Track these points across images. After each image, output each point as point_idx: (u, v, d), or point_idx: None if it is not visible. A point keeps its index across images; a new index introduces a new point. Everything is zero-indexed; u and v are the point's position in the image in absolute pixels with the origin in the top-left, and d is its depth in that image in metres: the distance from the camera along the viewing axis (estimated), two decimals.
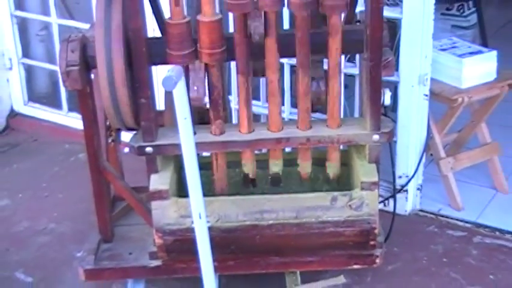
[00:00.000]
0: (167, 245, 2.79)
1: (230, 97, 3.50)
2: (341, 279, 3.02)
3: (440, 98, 3.44)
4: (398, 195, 3.32)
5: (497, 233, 3.38)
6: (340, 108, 2.78)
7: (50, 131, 4.30)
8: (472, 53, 3.52)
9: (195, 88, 2.68)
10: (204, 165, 2.73)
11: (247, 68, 2.67)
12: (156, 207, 2.75)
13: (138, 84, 2.63)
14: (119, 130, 3.00)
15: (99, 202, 2.93)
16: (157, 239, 2.79)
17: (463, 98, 3.40)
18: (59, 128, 4.28)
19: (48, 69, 4.43)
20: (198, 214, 2.46)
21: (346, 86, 3.35)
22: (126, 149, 2.91)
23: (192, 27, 2.61)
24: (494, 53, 3.54)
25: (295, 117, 2.80)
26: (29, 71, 4.44)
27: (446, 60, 3.48)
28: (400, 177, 3.43)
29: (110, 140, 3.01)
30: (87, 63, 2.68)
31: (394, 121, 3.08)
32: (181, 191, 2.75)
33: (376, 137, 2.73)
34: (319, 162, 2.92)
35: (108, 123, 2.91)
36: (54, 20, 4.16)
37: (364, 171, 2.77)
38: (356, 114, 3.43)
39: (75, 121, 4.00)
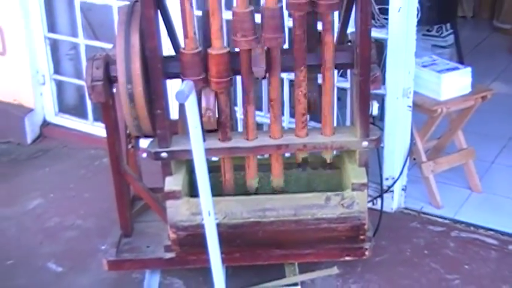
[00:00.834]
0: (180, 239, 2.78)
1: (236, 108, 3.49)
2: (334, 270, 3.01)
3: (422, 109, 3.43)
4: (385, 195, 3.30)
5: (472, 228, 3.35)
6: (333, 118, 2.79)
7: (78, 138, 4.29)
8: (449, 69, 3.50)
9: (208, 115, 2.67)
10: (213, 169, 2.72)
11: (253, 96, 2.68)
12: (170, 206, 2.74)
13: (154, 97, 2.63)
14: (137, 137, 2.99)
15: (120, 201, 2.92)
16: (172, 234, 2.77)
17: (442, 109, 3.39)
18: (85, 135, 4.27)
19: (76, 84, 4.43)
20: (208, 212, 2.44)
21: (339, 98, 3.33)
22: (144, 154, 2.89)
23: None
24: (469, 69, 3.53)
25: (293, 126, 2.79)
26: (60, 85, 4.43)
27: (427, 76, 3.46)
28: (386, 179, 3.41)
29: (129, 146, 3.00)
30: (110, 79, 2.68)
31: (381, 129, 3.07)
32: (193, 191, 2.75)
33: (365, 143, 2.72)
34: (315, 166, 2.93)
35: (128, 131, 2.89)
36: (82, 41, 4.16)
37: (355, 173, 2.76)
38: (347, 123, 3.41)
39: (99, 129, 3.99)
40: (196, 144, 2.37)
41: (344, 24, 2.87)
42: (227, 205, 2.76)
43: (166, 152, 2.70)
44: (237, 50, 2.63)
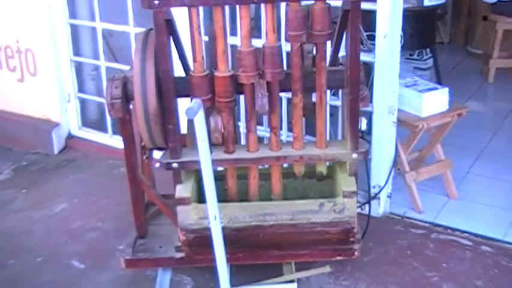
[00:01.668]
0: (189, 241, 2.75)
1: (239, 123, 3.47)
2: (327, 268, 2.99)
3: (405, 124, 3.41)
4: (372, 201, 3.28)
5: (449, 230, 3.32)
6: (326, 133, 2.77)
7: (98, 149, 4.28)
8: (429, 89, 3.48)
9: (215, 136, 2.67)
10: (219, 178, 2.71)
11: (255, 123, 2.68)
12: (180, 211, 2.71)
13: (167, 113, 2.62)
14: (151, 149, 2.97)
15: (135, 206, 2.90)
16: (181, 236, 2.75)
17: (423, 125, 3.37)
18: (105, 147, 4.26)
19: (97, 101, 4.42)
20: (214, 216, 2.43)
21: (331, 115, 3.31)
22: (157, 164, 2.86)
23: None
24: (446, 89, 3.51)
25: (291, 139, 2.78)
26: (83, 103, 4.42)
27: (410, 95, 3.44)
28: (373, 187, 3.38)
29: (144, 157, 2.98)
30: (127, 97, 2.67)
31: (369, 142, 3.07)
32: (201, 198, 2.72)
33: (355, 155, 2.70)
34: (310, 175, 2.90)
35: (143, 143, 2.87)
36: (103, 63, 4.16)
37: (346, 182, 2.74)
38: (339, 137, 3.39)
39: (117, 142, 3.96)
40: (204, 156, 2.35)
41: (336, 49, 2.86)
42: (231, 210, 2.74)
43: (177, 162, 2.68)
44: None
